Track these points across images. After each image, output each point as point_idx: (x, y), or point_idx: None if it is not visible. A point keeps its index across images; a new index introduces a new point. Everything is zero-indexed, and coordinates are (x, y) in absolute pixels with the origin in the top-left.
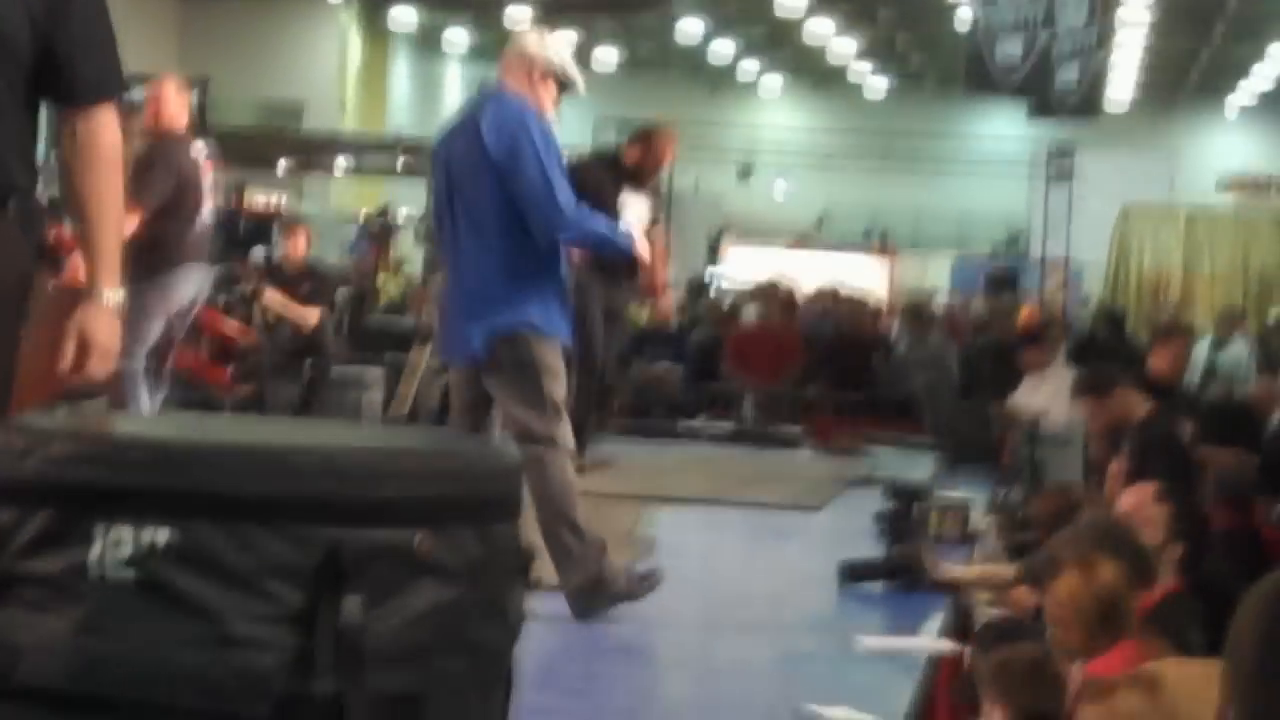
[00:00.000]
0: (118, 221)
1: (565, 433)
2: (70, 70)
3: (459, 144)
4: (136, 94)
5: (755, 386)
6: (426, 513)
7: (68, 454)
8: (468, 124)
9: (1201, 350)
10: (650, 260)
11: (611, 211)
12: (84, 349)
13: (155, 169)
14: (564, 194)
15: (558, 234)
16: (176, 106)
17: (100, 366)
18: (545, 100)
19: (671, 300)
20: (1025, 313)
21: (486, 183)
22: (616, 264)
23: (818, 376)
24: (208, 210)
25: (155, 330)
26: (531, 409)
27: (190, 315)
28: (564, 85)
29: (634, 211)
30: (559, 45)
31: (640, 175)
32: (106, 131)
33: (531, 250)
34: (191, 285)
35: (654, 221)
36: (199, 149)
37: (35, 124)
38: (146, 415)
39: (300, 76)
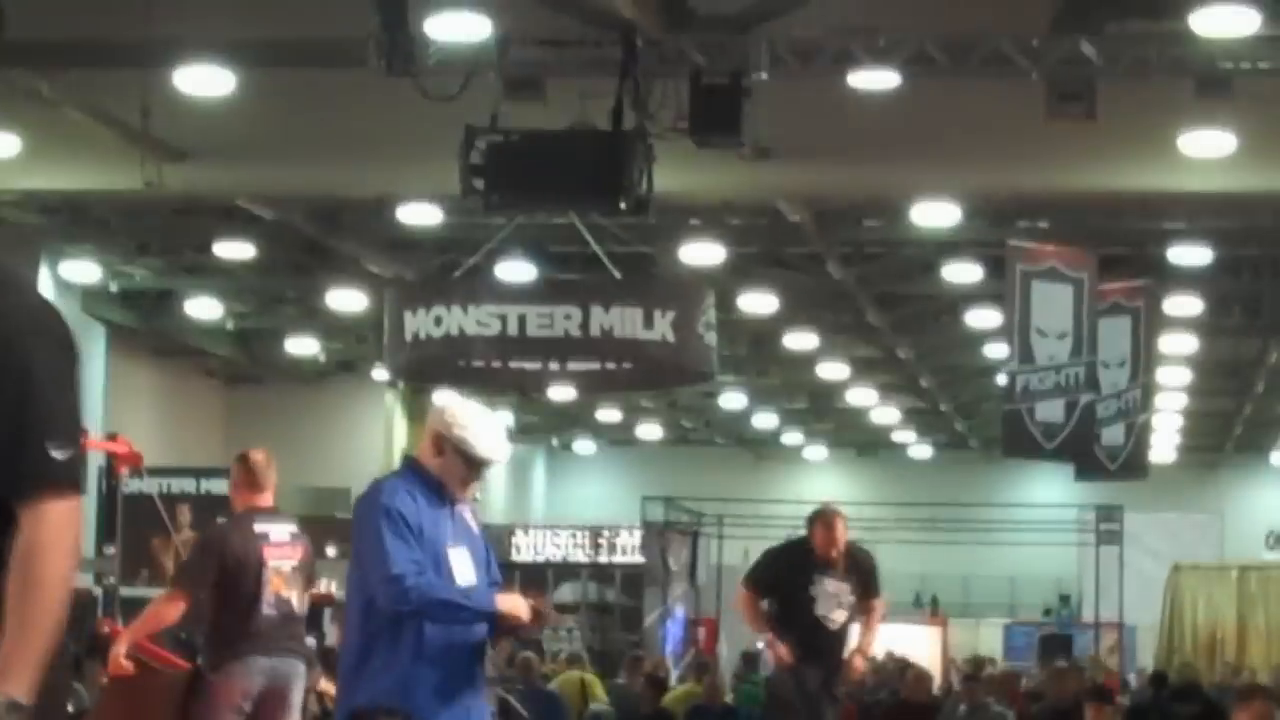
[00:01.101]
0: (34, 630)
1: None
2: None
3: None
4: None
5: None
6: None
7: None
8: None
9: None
10: (523, 613)
11: (804, 593)
12: None
13: (193, 554)
14: (401, 564)
15: (397, 603)
16: (235, 484)
17: None
18: (447, 474)
19: (862, 666)
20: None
21: (352, 560)
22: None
23: None
24: (271, 596)
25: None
26: None
27: (286, 707)
28: (470, 457)
29: (830, 592)
30: (461, 414)
31: (825, 558)
32: (42, 529)
33: (384, 625)
34: (257, 677)
35: (863, 597)
36: (269, 530)
37: None
38: None
39: (346, 461)
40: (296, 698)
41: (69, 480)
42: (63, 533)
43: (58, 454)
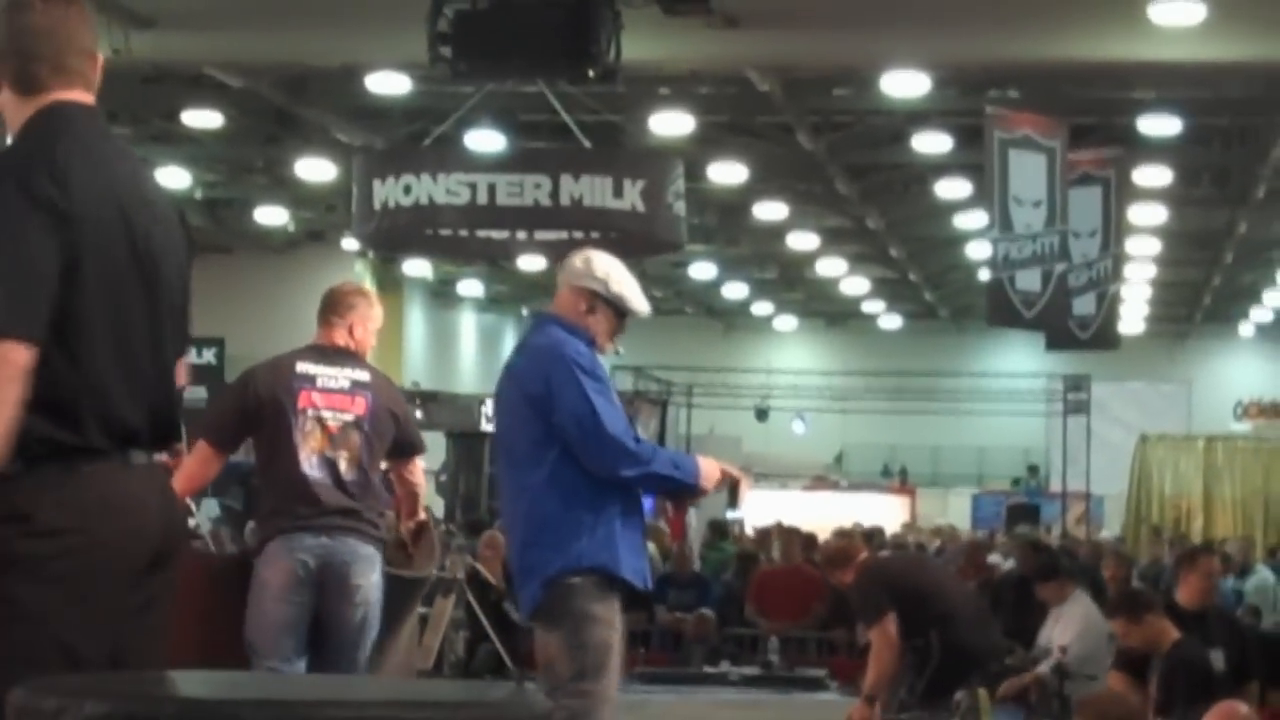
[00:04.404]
0: None
1: (604, 688)
2: None
3: (503, 382)
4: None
5: (779, 629)
6: None
7: (101, 713)
8: (510, 361)
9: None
10: (714, 482)
11: None
12: None
13: (219, 395)
14: (615, 426)
15: (615, 469)
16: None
17: None
18: (598, 329)
19: None
20: None
21: (521, 420)
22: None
23: (842, 617)
24: (311, 455)
25: (272, 613)
26: (568, 659)
27: (349, 598)
28: (622, 310)
29: None
30: (608, 267)
31: None
32: None
33: (582, 485)
34: (301, 557)
35: None
36: (317, 372)
37: None
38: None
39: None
40: (365, 585)
41: None
42: None
43: None
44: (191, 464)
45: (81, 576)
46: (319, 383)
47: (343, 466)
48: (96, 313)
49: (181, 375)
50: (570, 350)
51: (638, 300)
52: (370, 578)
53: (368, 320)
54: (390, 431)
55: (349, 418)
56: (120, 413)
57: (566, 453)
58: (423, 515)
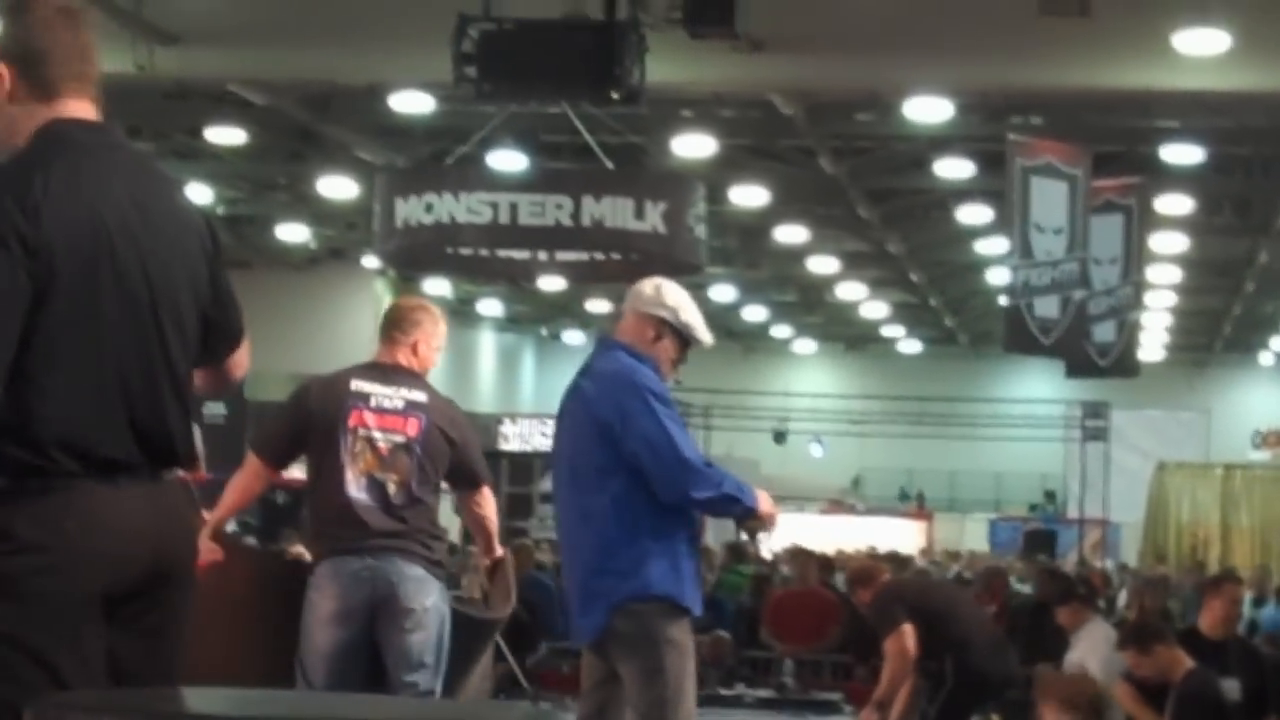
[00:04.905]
0: None
1: (684, 714)
2: None
3: (569, 405)
4: None
5: (794, 651)
6: None
7: None
8: (576, 384)
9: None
10: (770, 512)
11: None
12: None
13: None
14: (689, 450)
15: (689, 492)
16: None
17: None
18: (663, 356)
19: None
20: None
21: (588, 443)
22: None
23: (858, 640)
24: (359, 476)
25: (318, 638)
26: (647, 688)
27: (398, 622)
28: (686, 339)
29: None
30: (677, 296)
31: None
32: None
33: (649, 512)
34: (347, 581)
35: None
36: (372, 391)
37: None
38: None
39: (335, 348)
40: (417, 609)
41: None
42: None
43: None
44: (242, 478)
45: (59, 594)
46: (372, 402)
47: (391, 490)
48: (66, 341)
49: (243, 362)
50: (641, 378)
51: (703, 331)
52: (423, 601)
53: (432, 338)
54: (445, 455)
55: (400, 439)
56: (94, 440)
57: (632, 480)
58: (499, 552)
